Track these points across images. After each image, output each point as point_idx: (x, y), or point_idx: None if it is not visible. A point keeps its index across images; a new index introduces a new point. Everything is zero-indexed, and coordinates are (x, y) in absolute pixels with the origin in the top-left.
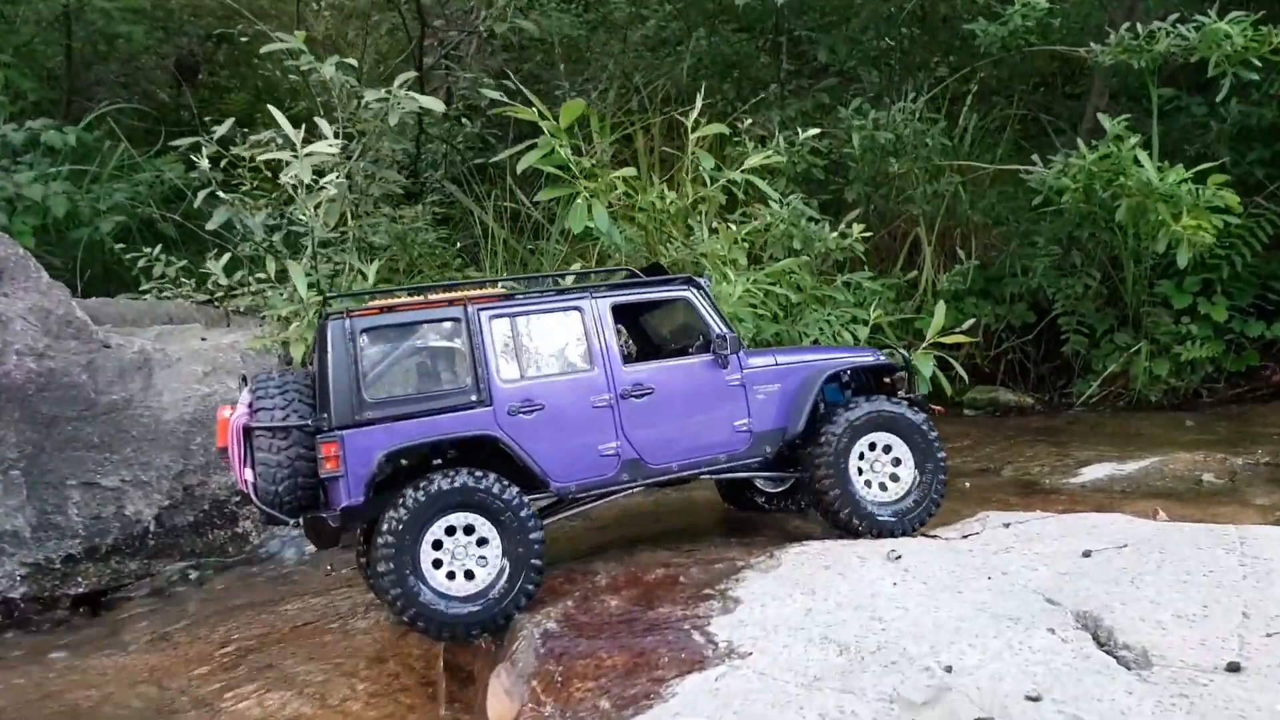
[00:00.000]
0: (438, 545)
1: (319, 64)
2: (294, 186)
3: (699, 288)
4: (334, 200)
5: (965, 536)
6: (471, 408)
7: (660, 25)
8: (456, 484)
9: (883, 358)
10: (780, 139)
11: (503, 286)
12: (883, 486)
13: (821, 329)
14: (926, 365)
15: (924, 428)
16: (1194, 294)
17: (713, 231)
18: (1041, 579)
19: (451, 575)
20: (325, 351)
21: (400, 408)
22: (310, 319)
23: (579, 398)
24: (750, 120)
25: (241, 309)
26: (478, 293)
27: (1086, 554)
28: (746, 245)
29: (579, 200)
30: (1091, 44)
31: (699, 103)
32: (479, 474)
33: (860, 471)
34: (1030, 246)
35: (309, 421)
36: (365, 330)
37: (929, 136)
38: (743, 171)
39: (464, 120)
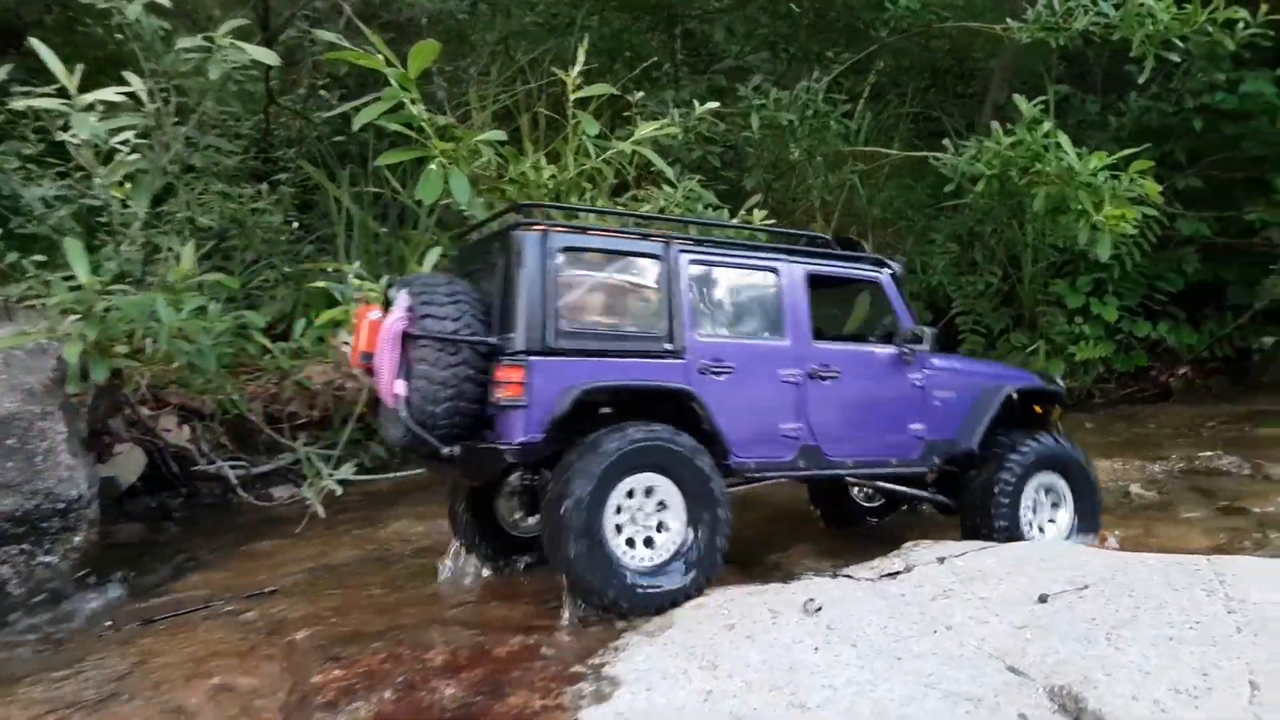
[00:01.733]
0: (617, 509)
1: (123, 2)
2: (91, 153)
3: (894, 274)
4: (145, 171)
5: (893, 575)
6: (663, 356)
7: (549, 9)
8: (653, 439)
9: (1042, 382)
10: (675, 114)
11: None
12: (1041, 529)
13: None
14: None
15: (1085, 465)
16: (1086, 294)
17: (601, 213)
18: (997, 636)
19: (631, 542)
20: (516, 266)
21: (594, 342)
22: (97, 313)
23: (768, 367)
24: (641, 94)
25: (14, 298)
26: (660, 230)
27: (1043, 599)
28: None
29: (432, 165)
30: (1009, 20)
31: (580, 60)
32: (674, 430)
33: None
34: (929, 243)
35: (491, 339)
36: (564, 249)
37: (830, 119)
38: (633, 143)
39: (323, 92)
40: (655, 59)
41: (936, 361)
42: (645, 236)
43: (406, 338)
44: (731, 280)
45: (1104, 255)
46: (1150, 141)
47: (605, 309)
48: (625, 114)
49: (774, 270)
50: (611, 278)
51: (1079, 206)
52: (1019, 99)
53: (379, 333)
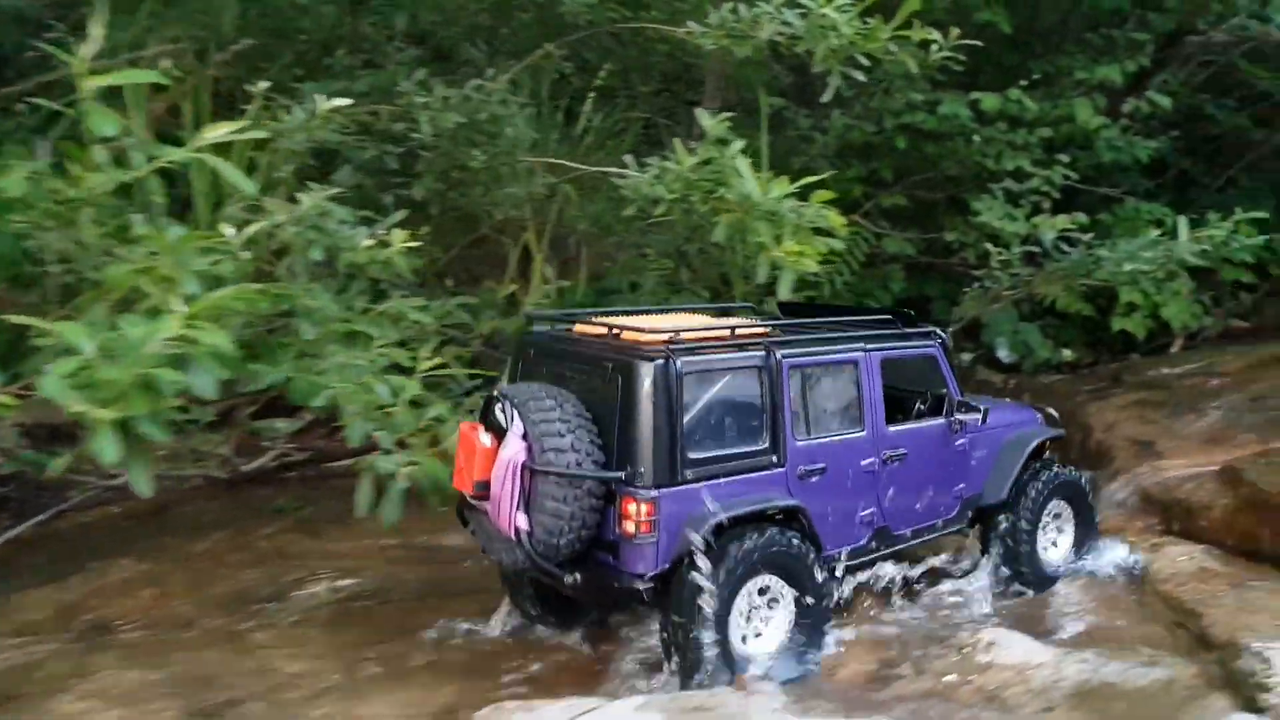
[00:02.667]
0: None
1: None
2: None
3: (943, 343)
4: None
5: None
6: (768, 469)
7: None
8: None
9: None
10: (298, 110)
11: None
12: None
13: (352, 376)
14: None
15: (1087, 490)
16: None
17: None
18: None
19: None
20: (640, 396)
21: (712, 466)
22: None
23: (852, 461)
24: (268, 84)
25: None
26: (752, 331)
27: None
28: (224, 255)
29: None
30: (690, 22)
31: (98, 27)
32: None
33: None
34: (641, 259)
35: (620, 474)
36: (689, 373)
37: (514, 122)
38: (198, 150)
39: None
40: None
41: (971, 421)
42: (744, 346)
43: (527, 469)
44: (821, 377)
45: (784, 293)
46: (857, 159)
47: (717, 428)
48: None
49: (854, 362)
50: (721, 394)
51: (758, 238)
52: (701, 113)
53: (496, 464)
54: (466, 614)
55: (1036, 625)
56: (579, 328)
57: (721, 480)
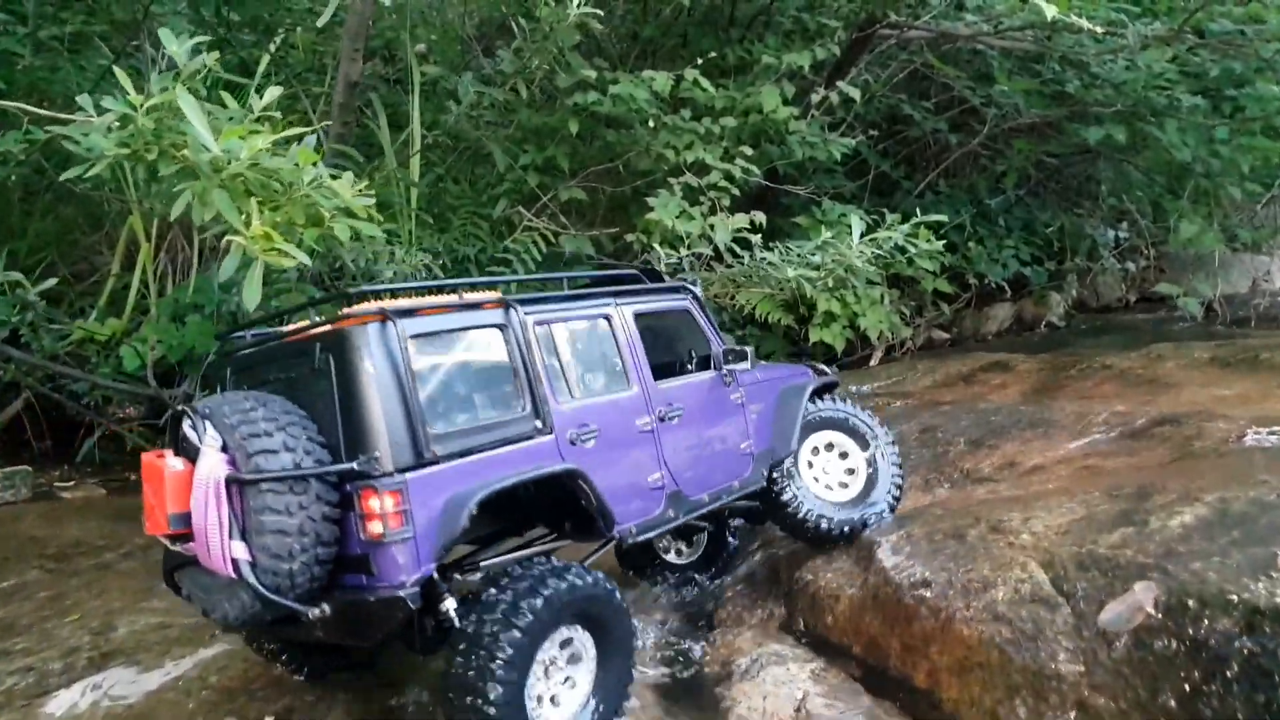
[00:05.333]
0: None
1: None
2: None
3: (695, 295)
4: None
5: None
6: (532, 437)
7: None
8: (578, 583)
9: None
10: None
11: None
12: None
13: None
14: None
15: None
16: None
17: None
18: None
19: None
20: (359, 366)
21: (466, 441)
22: None
23: (625, 420)
24: None
25: None
26: (484, 295)
27: None
28: None
29: None
30: None
31: None
32: (586, 569)
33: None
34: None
35: (354, 464)
36: (416, 336)
37: None
38: None
39: None
40: None
41: (744, 376)
42: (478, 305)
43: (234, 484)
44: (572, 335)
45: (250, 302)
46: (532, 144)
47: (465, 398)
48: None
49: (606, 315)
50: (462, 360)
51: (213, 212)
52: (166, 34)
53: (194, 489)
54: None
55: None
56: (289, 329)
57: (482, 456)
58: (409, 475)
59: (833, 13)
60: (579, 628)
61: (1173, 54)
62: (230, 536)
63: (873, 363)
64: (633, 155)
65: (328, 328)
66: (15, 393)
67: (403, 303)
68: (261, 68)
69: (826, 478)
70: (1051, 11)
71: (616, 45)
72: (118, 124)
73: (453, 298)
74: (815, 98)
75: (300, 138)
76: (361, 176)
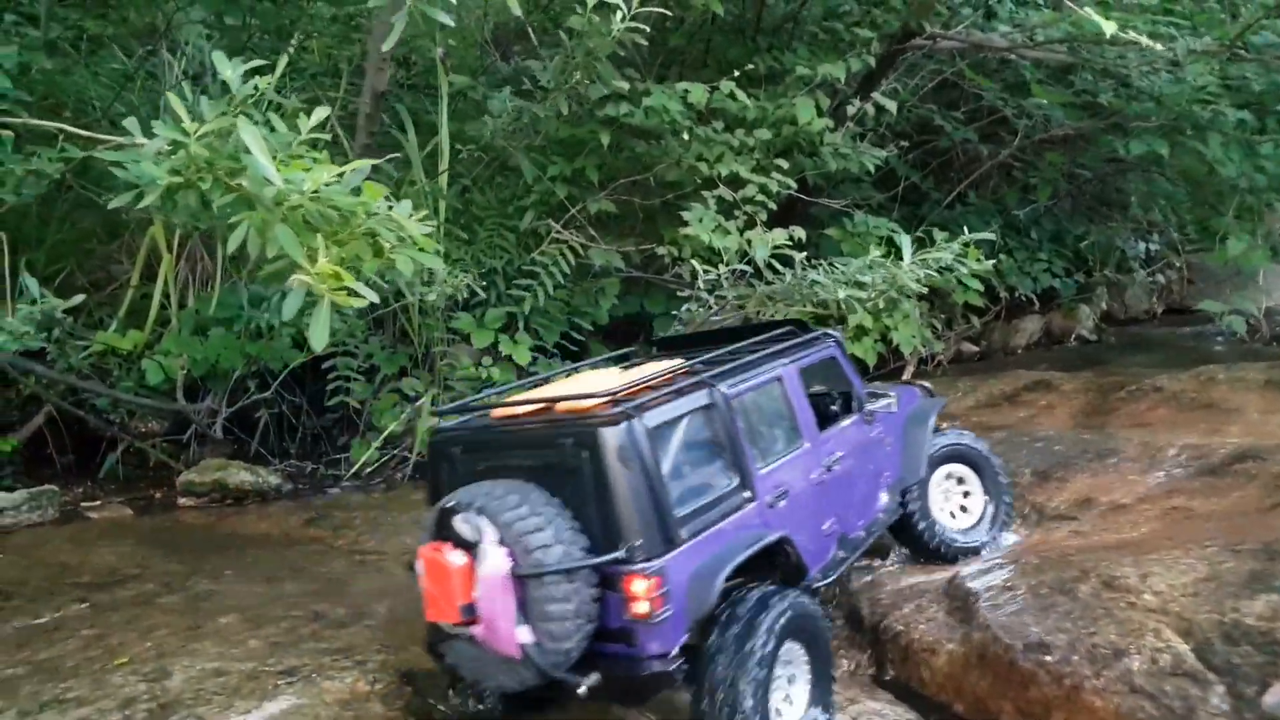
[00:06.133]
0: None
1: None
2: None
3: (838, 341)
4: None
5: None
6: (744, 506)
7: None
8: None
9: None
10: None
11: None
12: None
13: None
14: None
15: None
16: (497, 330)
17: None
18: None
19: None
20: (613, 465)
21: (701, 520)
22: None
23: (804, 475)
24: None
25: None
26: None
27: None
28: None
29: None
30: None
31: None
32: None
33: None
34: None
35: (620, 553)
36: (655, 428)
37: None
38: None
39: None
40: None
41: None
42: (683, 389)
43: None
44: (759, 402)
45: (318, 344)
46: (561, 156)
47: (691, 478)
48: None
49: (780, 379)
50: (684, 442)
51: (279, 250)
52: (219, 56)
53: (480, 583)
54: None
55: None
56: (497, 412)
57: (712, 530)
58: (664, 559)
59: (866, 23)
60: (798, 644)
61: (1216, 65)
62: (516, 624)
63: (904, 377)
64: (662, 167)
65: (577, 425)
66: (37, 406)
67: (621, 386)
68: (279, 70)
69: (948, 505)
70: (1111, 29)
71: (643, 54)
72: (168, 148)
73: (661, 379)
74: (851, 109)
75: (354, 167)
76: (394, 191)
